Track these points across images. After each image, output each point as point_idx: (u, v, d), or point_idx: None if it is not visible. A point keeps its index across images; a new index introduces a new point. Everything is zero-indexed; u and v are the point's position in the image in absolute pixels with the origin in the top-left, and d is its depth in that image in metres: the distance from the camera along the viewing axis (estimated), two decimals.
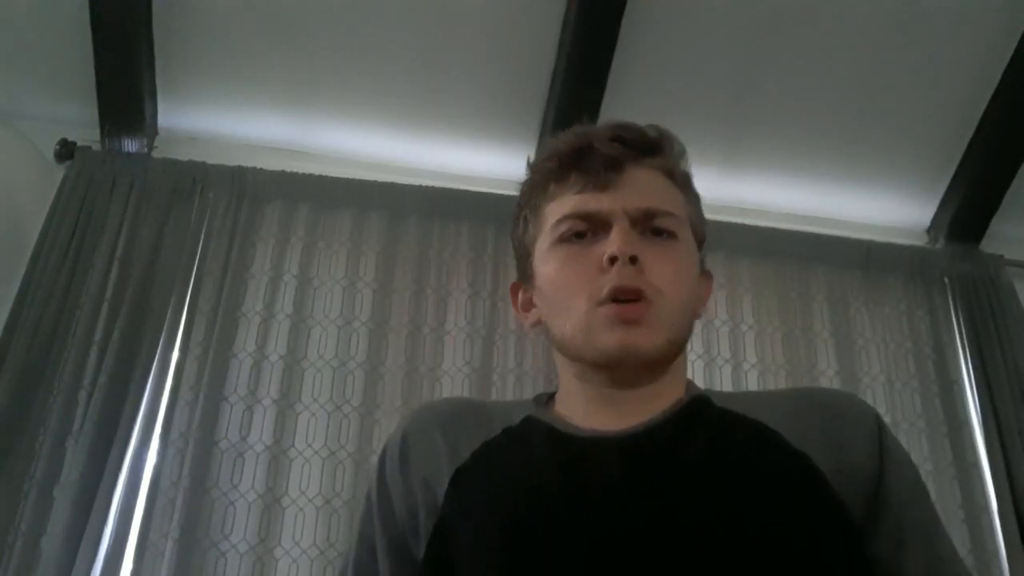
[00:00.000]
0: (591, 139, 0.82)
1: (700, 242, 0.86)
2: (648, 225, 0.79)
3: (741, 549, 0.63)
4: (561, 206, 0.81)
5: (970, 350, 2.30)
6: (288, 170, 2.20)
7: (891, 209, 2.50)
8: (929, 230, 2.53)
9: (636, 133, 0.84)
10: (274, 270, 2.10)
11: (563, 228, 0.80)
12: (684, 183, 0.86)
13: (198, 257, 2.07)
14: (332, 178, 2.21)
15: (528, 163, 0.88)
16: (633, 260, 0.75)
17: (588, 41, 2.12)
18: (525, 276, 0.87)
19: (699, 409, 0.77)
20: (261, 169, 2.19)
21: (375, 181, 2.23)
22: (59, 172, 2.13)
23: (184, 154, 2.20)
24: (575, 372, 0.80)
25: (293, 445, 1.92)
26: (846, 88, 2.29)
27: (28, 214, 2.06)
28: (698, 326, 2.19)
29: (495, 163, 2.24)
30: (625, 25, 2.09)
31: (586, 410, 0.78)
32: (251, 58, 2.19)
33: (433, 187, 2.25)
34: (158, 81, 2.18)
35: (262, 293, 2.07)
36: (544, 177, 0.85)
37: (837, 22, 2.18)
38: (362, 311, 2.09)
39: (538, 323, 0.85)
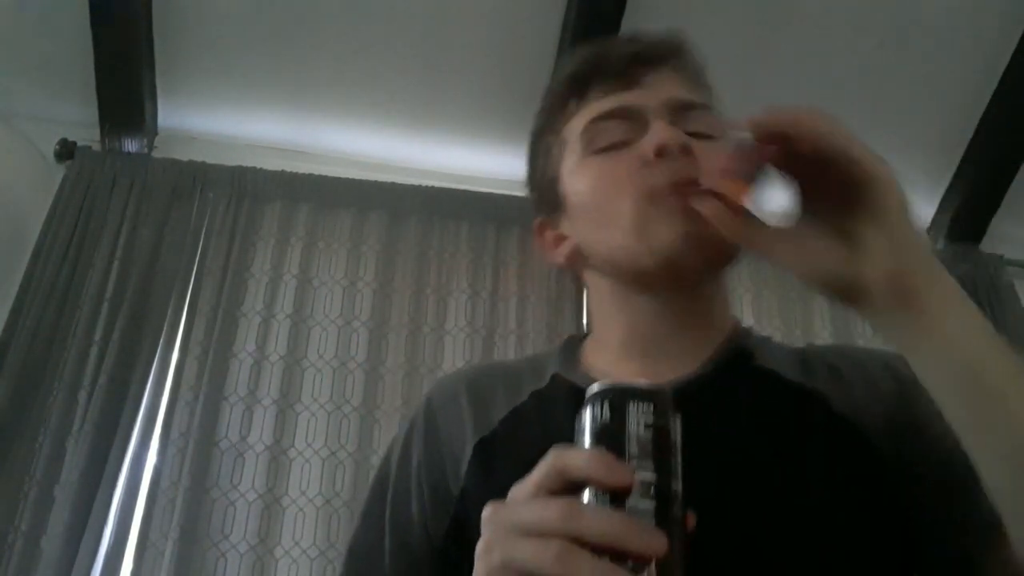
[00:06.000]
0: (608, 47, 0.75)
1: None
2: (686, 125, 0.68)
3: (775, 517, 0.60)
4: (586, 115, 0.72)
5: None
6: (288, 170, 2.21)
7: None
8: (929, 230, 2.52)
9: (655, 36, 0.75)
10: (274, 270, 2.10)
11: (594, 135, 0.70)
12: (711, 94, 0.76)
13: (198, 257, 2.07)
14: (332, 178, 2.21)
15: (544, 92, 0.79)
16: (685, 150, 0.64)
17: (588, 41, 2.11)
18: (551, 207, 0.76)
19: (737, 370, 0.69)
20: (261, 169, 2.19)
21: (375, 181, 2.23)
22: (59, 172, 2.14)
23: (184, 154, 2.20)
24: (617, 301, 0.71)
25: (293, 445, 1.92)
26: (845, 89, 2.28)
27: (28, 214, 2.06)
28: None
29: (495, 163, 2.23)
30: (625, 25, 2.09)
31: (619, 356, 0.71)
32: (251, 58, 2.19)
33: (433, 187, 2.25)
34: (158, 81, 2.17)
35: (262, 293, 2.07)
36: (562, 96, 0.76)
37: (836, 23, 2.18)
38: (362, 311, 2.09)
39: (574, 255, 0.74)
